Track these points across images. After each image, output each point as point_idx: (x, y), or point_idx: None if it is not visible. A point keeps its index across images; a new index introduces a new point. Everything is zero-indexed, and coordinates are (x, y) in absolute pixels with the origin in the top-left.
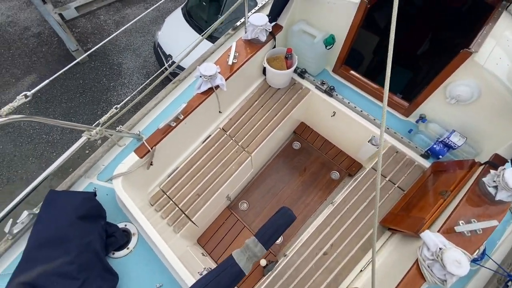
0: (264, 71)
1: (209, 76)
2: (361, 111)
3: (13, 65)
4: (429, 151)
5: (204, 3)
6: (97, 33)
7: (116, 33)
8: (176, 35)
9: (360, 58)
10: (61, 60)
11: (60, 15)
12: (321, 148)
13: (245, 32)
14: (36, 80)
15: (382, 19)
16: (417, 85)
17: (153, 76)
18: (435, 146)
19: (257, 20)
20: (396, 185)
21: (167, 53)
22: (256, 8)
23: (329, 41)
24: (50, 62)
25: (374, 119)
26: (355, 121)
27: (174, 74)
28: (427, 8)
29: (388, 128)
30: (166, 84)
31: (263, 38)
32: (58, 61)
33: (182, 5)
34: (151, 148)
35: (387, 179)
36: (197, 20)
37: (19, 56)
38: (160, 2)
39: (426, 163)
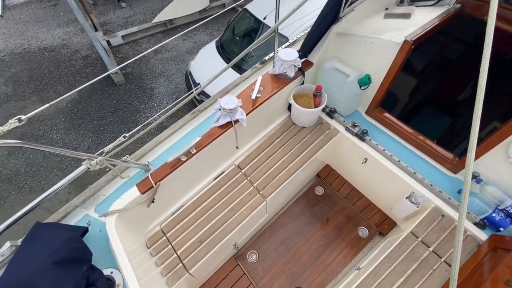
0: (289, 107)
1: (229, 109)
2: (399, 161)
3: (59, 83)
4: (485, 220)
5: (237, 37)
6: (137, 59)
7: (150, 50)
8: (208, 66)
9: (394, 100)
10: (101, 81)
11: (108, 41)
12: (348, 197)
13: (273, 67)
14: (76, 97)
15: (420, 61)
16: (456, 133)
17: (176, 101)
18: (494, 214)
19: (287, 55)
20: (442, 260)
21: (197, 81)
22: (287, 43)
23: (365, 81)
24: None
25: (415, 172)
26: (390, 171)
27: (200, 102)
28: (471, 54)
29: (431, 185)
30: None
31: (291, 73)
32: (99, 81)
33: (217, 38)
34: (155, 184)
35: (430, 249)
36: (229, 53)
37: (66, 75)
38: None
39: (482, 235)
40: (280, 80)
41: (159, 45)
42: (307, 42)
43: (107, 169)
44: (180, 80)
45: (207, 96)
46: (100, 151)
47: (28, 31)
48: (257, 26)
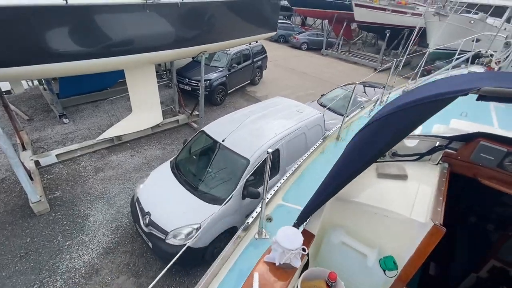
0: None
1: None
2: None
3: None
4: None
5: (194, 156)
6: (71, 180)
7: None
8: (160, 190)
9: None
10: (15, 210)
11: (36, 161)
12: None
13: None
14: None
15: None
16: None
17: None
18: None
19: (289, 242)
20: None
21: (146, 210)
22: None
23: (390, 267)
24: (1, 212)
25: None
26: None
27: (149, 236)
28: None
29: None
30: None
31: (297, 263)
32: (12, 212)
33: (171, 159)
34: None
35: None
36: (185, 174)
37: None
38: None
39: None
40: (283, 271)
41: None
42: (305, 212)
43: None
44: (124, 203)
45: (157, 228)
46: None
47: None
48: (214, 147)
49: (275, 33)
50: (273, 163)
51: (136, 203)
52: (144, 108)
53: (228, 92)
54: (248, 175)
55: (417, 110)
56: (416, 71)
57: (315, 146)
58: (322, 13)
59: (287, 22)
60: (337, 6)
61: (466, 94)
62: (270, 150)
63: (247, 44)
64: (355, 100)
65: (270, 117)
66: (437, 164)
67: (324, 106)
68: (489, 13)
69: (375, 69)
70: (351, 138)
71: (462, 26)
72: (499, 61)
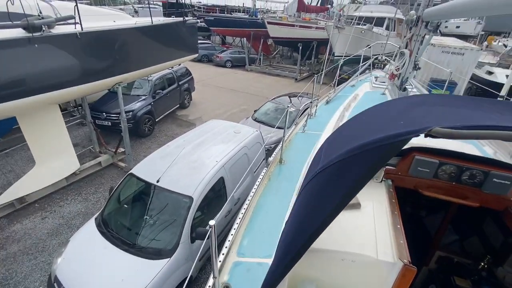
0: None
1: None
2: None
3: None
4: None
5: (125, 205)
6: None
7: None
8: (86, 262)
9: None
10: None
11: None
12: None
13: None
14: None
15: None
16: None
17: None
18: None
19: None
20: None
21: None
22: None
23: None
24: None
25: None
26: None
27: None
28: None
29: None
30: None
31: None
32: None
33: (96, 215)
34: None
35: None
36: (117, 229)
37: None
38: None
39: None
40: None
41: None
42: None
43: None
44: (39, 285)
45: None
46: None
47: None
48: (148, 191)
49: (196, 54)
50: (220, 192)
51: (55, 283)
52: (52, 156)
53: (157, 120)
54: (194, 214)
55: (368, 155)
56: (334, 81)
57: (259, 180)
58: (239, 32)
59: (207, 42)
60: (251, 25)
61: (417, 136)
62: (212, 223)
63: (170, 68)
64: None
65: (208, 144)
66: (381, 182)
67: (259, 121)
68: (373, 23)
69: (296, 79)
70: (292, 159)
71: (356, 35)
72: (398, 68)
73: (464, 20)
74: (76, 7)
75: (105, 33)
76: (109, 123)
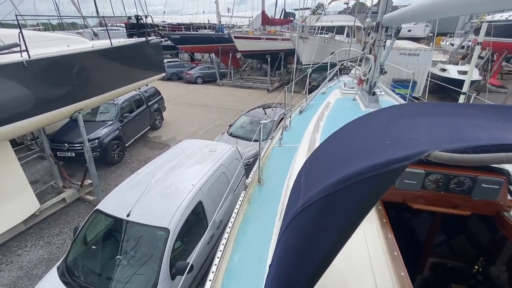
0: None
1: None
2: None
3: None
4: None
5: (93, 246)
6: None
7: None
8: None
9: None
10: None
11: None
12: None
13: None
14: None
15: None
16: None
17: None
18: None
19: None
20: None
21: None
22: None
23: None
24: None
25: None
26: None
27: None
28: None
29: None
30: None
31: None
32: None
33: (58, 262)
34: None
35: None
36: (85, 277)
37: None
38: None
39: None
40: None
41: None
42: None
43: None
44: None
45: None
46: None
47: None
48: (119, 227)
49: (164, 74)
50: (199, 217)
51: None
52: (4, 199)
53: (127, 145)
54: (172, 247)
55: (364, 184)
56: (305, 90)
57: (239, 204)
58: (207, 48)
59: (175, 60)
60: (219, 40)
61: (415, 161)
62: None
63: (137, 89)
64: (259, 123)
65: (182, 166)
66: None
67: (235, 136)
68: (334, 32)
69: (268, 90)
70: (272, 177)
71: (320, 44)
72: (365, 73)
73: (414, 24)
74: (20, 33)
75: (57, 59)
76: (73, 154)
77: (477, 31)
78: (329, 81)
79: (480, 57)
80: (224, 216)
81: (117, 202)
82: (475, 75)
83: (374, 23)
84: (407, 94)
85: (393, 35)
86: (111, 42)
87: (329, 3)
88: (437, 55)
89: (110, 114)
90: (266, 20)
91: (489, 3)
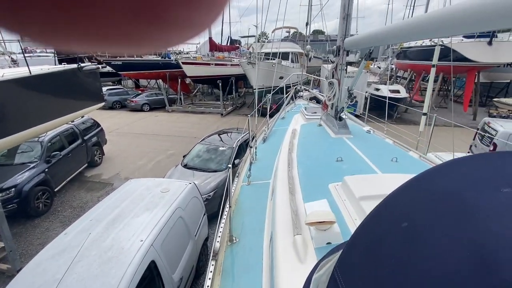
0: None
1: None
2: None
3: None
4: None
5: None
6: None
7: None
8: None
9: None
10: None
11: None
12: None
13: None
14: None
15: None
16: None
17: None
18: None
19: None
20: None
21: None
22: None
23: None
24: None
25: None
26: None
27: None
28: None
29: None
30: None
31: None
32: None
33: None
34: None
35: None
36: None
37: None
38: None
39: None
40: None
41: None
42: None
43: None
44: None
45: None
46: None
47: None
48: None
49: (103, 103)
50: (153, 280)
51: None
52: None
53: (56, 189)
54: None
55: None
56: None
57: (209, 279)
58: (153, 74)
59: (118, 87)
60: (166, 66)
61: None
62: None
63: (70, 123)
64: (217, 151)
65: (127, 217)
66: None
67: (191, 168)
68: (280, 57)
69: (222, 114)
70: (246, 230)
71: (268, 69)
72: (330, 98)
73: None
74: None
75: None
76: None
77: (398, 56)
78: (286, 105)
79: (403, 78)
80: (184, 272)
81: (34, 281)
82: (403, 93)
83: (335, 46)
84: (352, 112)
85: (364, 58)
86: (29, 70)
87: (273, 32)
88: (370, 77)
89: (33, 154)
90: (213, 46)
91: (435, 30)
